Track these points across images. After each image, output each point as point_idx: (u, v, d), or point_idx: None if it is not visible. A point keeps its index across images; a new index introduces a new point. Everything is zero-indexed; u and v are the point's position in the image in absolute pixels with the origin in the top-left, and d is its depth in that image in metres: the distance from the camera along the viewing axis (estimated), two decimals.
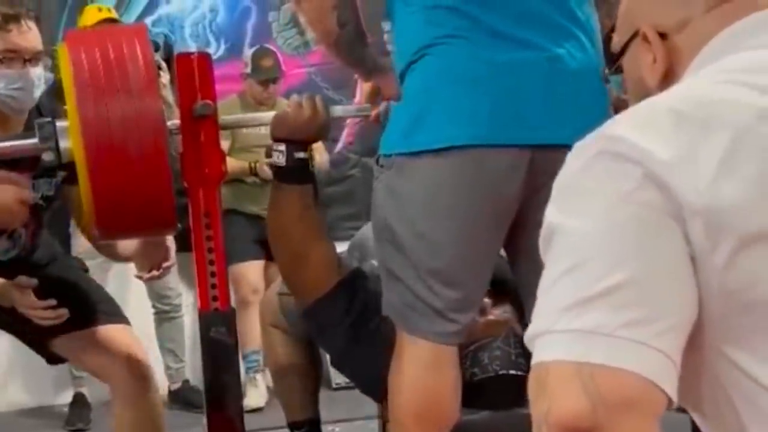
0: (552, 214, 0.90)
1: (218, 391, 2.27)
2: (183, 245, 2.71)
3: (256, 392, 4.18)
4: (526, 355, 2.11)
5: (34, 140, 2.10)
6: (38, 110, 2.52)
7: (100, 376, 2.72)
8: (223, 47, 4.53)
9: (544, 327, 0.86)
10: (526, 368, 2.10)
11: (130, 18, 4.41)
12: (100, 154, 1.96)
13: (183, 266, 4.18)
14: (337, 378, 4.04)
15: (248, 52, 4.36)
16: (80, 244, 3.23)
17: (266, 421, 3.57)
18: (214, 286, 2.24)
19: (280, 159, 2.20)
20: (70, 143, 2.03)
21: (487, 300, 2.23)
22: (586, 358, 0.83)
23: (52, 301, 2.42)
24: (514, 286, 2.34)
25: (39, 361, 4.25)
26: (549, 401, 0.83)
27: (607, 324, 0.83)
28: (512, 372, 2.12)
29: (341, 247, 2.86)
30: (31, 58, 2.45)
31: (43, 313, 2.42)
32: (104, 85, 1.98)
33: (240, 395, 2.36)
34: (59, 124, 2.06)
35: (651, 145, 0.87)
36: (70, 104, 2.01)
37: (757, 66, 0.93)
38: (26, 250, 2.58)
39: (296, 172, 2.20)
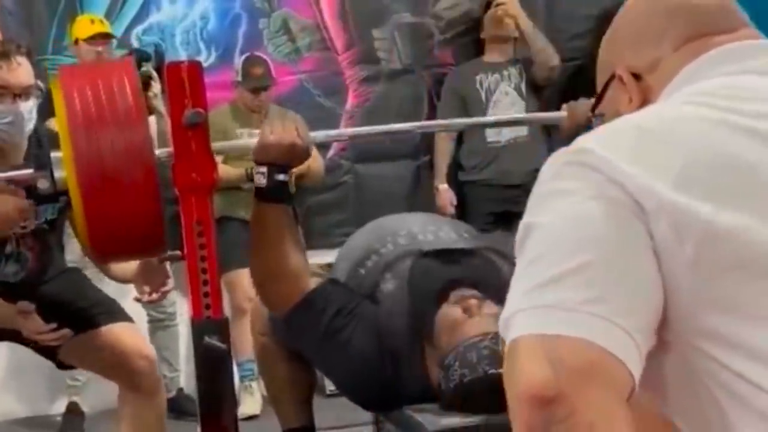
0: (527, 217, 0.96)
1: (212, 399, 2.27)
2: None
3: (252, 400, 4.18)
4: None
5: (30, 170, 2.21)
6: (36, 135, 2.56)
7: (109, 375, 2.74)
8: (214, 55, 4.53)
9: (514, 308, 0.92)
10: None
11: (120, 26, 4.40)
12: (93, 183, 2.08)
13: (177, 275, 4.21)
14: (331, 385, 4.04)
15: (238, 60, 4.36)
16: (72, 251, 3.24)
17: (262, 429, 3.57)
18: (206, 294, 2.25)
19: (261, 180, 2.28)
20: (64, 173, 2.12)
21: (474, 300, 2.24)
22: (549, 330, 0.88)
23: (53, 325, 2.49)
24: (502, 287, 2.35)
25: (33, 370, 4.27)
26: (518, 372, 0.89)
27: (569, 299, 0.89)
28: (501, 371, 2.12)
29: (333, 254, 2.87)
30: (21, 93, 2.51)
31: (48, 336, 2.46)
32: (95, 118, 2.09)
33: (234, 403, 2.36)
34: (53, 154, 2.16)
35: (612, 154, 0.94)
36: (64, 136, 2.11)
37: (711, 90, 1.04)
38: (34, 272, 2.63)
39: (276, 193, 2.28)
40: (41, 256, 2.70)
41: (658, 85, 1.11)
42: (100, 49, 4.11)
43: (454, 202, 4.57)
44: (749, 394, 0.90)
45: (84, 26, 4.15)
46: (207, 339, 2.23)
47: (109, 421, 3.90)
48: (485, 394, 2.12)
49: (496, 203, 4.51)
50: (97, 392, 4.15)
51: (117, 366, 2.63)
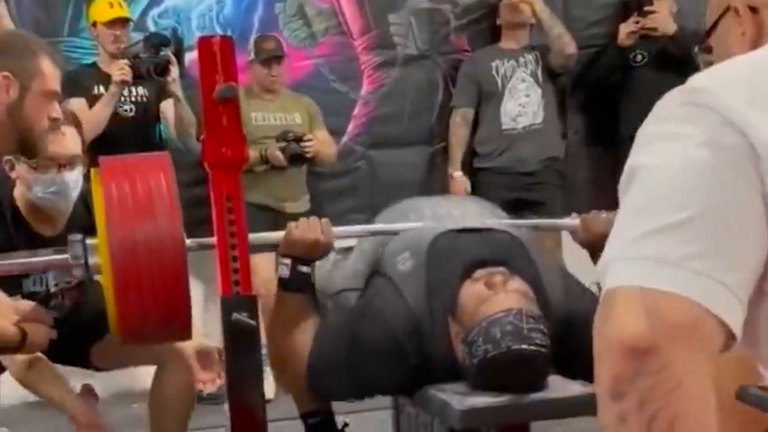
0: (634, 158, 0.95)
1: (240, 377, 2.27)
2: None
3: (266, 384, 4.17)
4: (539, 329, 2.13)
5: (66, 256, 2.27)
6: (83, 199, 2.62)
7: (149, 360, 2.77)
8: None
9: (615, 255, 0.92)
10: (539, 343, 2.13)
11: (137, 9, 4.39)
12: (125, 273, 2.15)
13: (192, 260, 4.19)
14: None
15: (251, 41, 4.35)
16: None
17: (276, 413, 3.55)
18: (236, 271, 2.24)
19: (284, 272, 2.44)
20: (98, 260, 2.21)
21: (499, 277, 2.25)
22: (650, 284, 0.87)
23: (102, 423, 2.65)
24: (529, 264, 2.35)
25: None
26: (613, 321, 0.88)
27: (673, 254, 0.88)
28: (524, 347, 2.12)
29: (346, 240, 2.87)
30: (66, 164, 2.55)
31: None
32: (131, 211, 2.17)
33: (261, 380, 2.35)
34: (89, 241, 2.24)
35: (727, 93, 0.92)
36: (100, 226, 2.18)
37: None
38: (69, 313, 2.68)
39: (298, 284, 2.44)
40: (78, 300, 2.77)
41: None
42: (118, 32, 4.11)
43: (469, 190, 4.57)
44: None
45: (102, 9, 4.14)
46: (236, 315, 2.22)
47: (123, 404, 3.90)
48: (509, 370, 2.14)
49: (509, 190, 4.50)
50: (111, 375, 4.13)
51: (151, 347, 2.64)
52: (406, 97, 4.69)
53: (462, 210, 2.59)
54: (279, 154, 4.12)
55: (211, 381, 2.66)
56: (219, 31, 4.50)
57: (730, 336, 0.88)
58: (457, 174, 4.59)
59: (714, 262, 0.87)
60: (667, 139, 0.93)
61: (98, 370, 2.91)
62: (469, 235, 2.42)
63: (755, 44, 1.10)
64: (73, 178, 2.57)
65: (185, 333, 2.33)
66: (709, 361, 0.87)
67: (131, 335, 2.29)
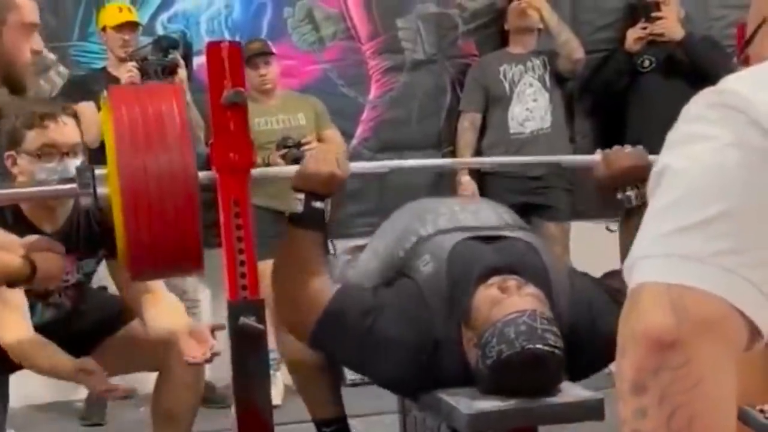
0: (664, 158, 0.95)
1: (247, 381, 2.27)
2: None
3: (274, 389, 4.17)
4: (552, 331, 2.13)
5: (74, 185, 2.23)
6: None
7: (151, 366, 2.77)
8: None
9: (643, 252, 0.92)
10: (553, 344, 2.12)
11: (146, 14, 4.41)
12: (135, 201, 2.10)
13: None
14: (351, 374, 4.04)
15: None
16: None
17: (284, 418, 3.57)
18: (243, 275, 2.25)
19: (297, 206, 2.36)
20: (107, 189, 2.15)
21: (513, 282, 2.24)
22: (677, 280, 0.88)
23: (117, 384, 2.54)
24: (543, 271, 2.35)
25: None
26: (638, 315, 0.89)
27: (700, 251, 0.88)
28: (539, 346, 2.11)
29: (354, 244, 2.87)
30: (69, 152, 2.59)
31: (117, 393, 2.53)
32: (142, 138, 2.12)
33: (269, 384, 2.36)
34: (98, 171, 2.18)
35: (755, 95, 0.93)
36: (110, 154, 2.13)
37: None
38: (70, 313, 2.68)
39: (310, 220, 2.34)
40: (78, 301, 2.77)
41: None
42: (127, 37, 4.13)
43: (476, 194, 4.57)
44: None
45: (112, 14, 4.16)
46: (243, 319, 2.23)
47: (131, 408, 3.91)
48: (523, 370, 2.12)
49: (517, 194, 4.49)
50: (119, 379, 4.15)
51: (154, 351, 2.64)
52: (414, 101, 4.70)
53: (476, 210, 2.57)
54: (280, 162, 4.12)
55: (202, 353, 2.63)
56: (228, 35, 4.52)
57: (756, 333, 0.89)
58: (465, 178, 4.59)
59: (740, 259, 0.88)
60: (695, 140, 0.94)
61: None
62: (486, 243, 2.40)
63: None
64: (76, 165, 2.56)
65: (197, 266, 2.27)
66: (733, 360, 0.88)
67: (141, 269, 2.24)
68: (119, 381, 2.69)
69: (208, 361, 2.55)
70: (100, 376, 2.49)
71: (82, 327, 2.73)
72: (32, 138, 2.60)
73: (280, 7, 4.58)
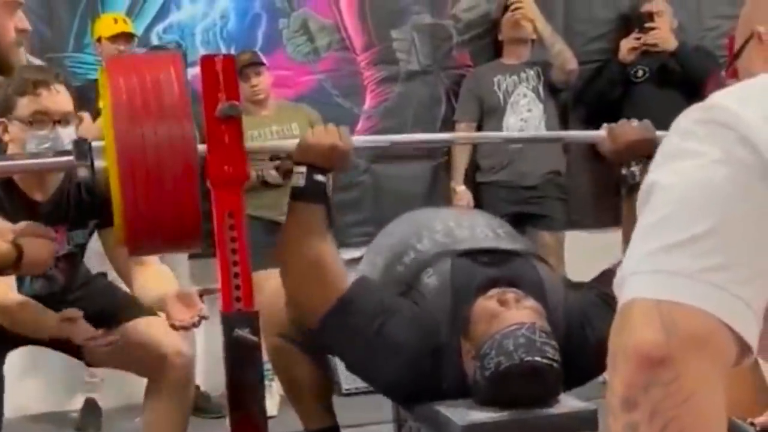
0: (652, 174, 0.96)
1: (242, 393, 2.28)
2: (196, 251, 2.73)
3: (270, 400, 4.18)
4: (551, 344, 2.13)
5: (70, 158, 2.19)
6: None
7: (138, 370, 2.75)
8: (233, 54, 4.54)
9: (632, 269, 0.93)
10: (551, 357, 2.13)
11: (141, 25, 4.42)
12: (133, 172, 2.06)
13: (195, 273, 4.21)
14: (347, 384, 4.04)
15: None
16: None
17: (279, 428, 3.57)
18: (237, 287, 2.25)
19: (299, 181, 2.30)
20: (104, 162, 2.12)
21: (512, 295, 2.25)
22: (666, 296, 0.89)
23: (101, 331, 2.51)
24: (538, 283, 2.36)
25: (50, 366, 4.27)
26: (628, 331, 0.89)
27: (688, 267, 0.89)
28: (537, 359, 2.12)
29: (350, 254, 2.88)
30: (61, 120, 2.58)
31: (99, 342, 2.48)
32: (140, 108, 2.08)
33: (263, 396, 2.36)
34: (95, 144, 2.15)
35: (744, 110, 0.93)
36: (107, 125, 2.11)
37: None
38: (62, 287, 2.66)
39: (312, 193, 2.31)
40: (69, 274, 2.75)
41: None
42: (122, 48, 4.13)
43: (472, 203, 4.58)
44: None
45: (107, 25, 4.17)
46: (237, 331, 2.23)
47: (126, 418, 3.91)
48: (522, 382, 2.13)
49: (512, 204, 4.52)
50: (114, 389, 4.16)
51: (146, 358, 2.63)
52: (408, 111, 4.71)
53: (471, 224, 2.57)
54: (274, 172, 4.13)
55: (190, 317, 2.61)
56: (223, 46, 4.53)
57: (745, 348, 0.89)
58: (460, 188, 4.61)
59: (729, 276, 0.89)
60: (684, 156, 0.94)
61: (88, 364, 2.87)
62: (485, 256, 2.40)
63: None
64: (67, 134, 2.58)
65: (194, 240, 2.23)
66: (722, 376, 0.88)
67: (139, 243, 2.20)
68: (122, 388, 2.67)
69: (195, 325, 2.53)
70: (84, 326, 2.49)
71: (79, 306, 2.66)
72: (24, 105, 2.58)
73: (275, 19, 4.59)
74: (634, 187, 2.47)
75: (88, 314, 2.59)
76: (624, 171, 2.51)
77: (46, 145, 2.55)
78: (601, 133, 2.55)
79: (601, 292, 2.35)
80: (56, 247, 2.29)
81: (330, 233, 2.36)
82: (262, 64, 4.30)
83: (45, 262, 2.22)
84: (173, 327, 2.55)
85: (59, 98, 2.61)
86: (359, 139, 2.47)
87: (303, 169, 2.30)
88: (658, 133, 2.46)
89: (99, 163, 2.13)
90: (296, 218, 2.33)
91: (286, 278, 2.37)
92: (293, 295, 2.38)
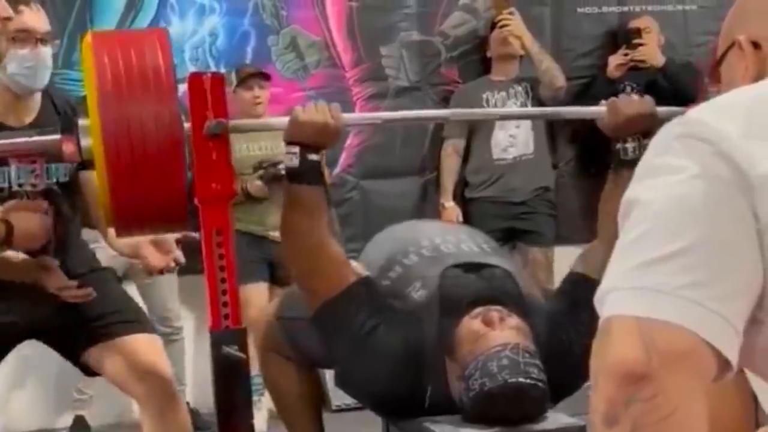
0: (631, 191, 0.97)
1: (230, 410, 2.28)
2: (184, 268, 2.72)
3: (259, 415, 4.17)
4: (535, 364, 2.14)
5: (56, 136, 2.17)
6: (50, 99, 2.60)
7: (124, 388, 2.72)
8: (223, 71, 4.54)
9: (612, 285, 0.93)
10: (536, 377, 2.13)
11: None
12: (119, 153, 2.03)
13: (184, 289, 4.21)
14: (336, 400, 4.04)
15: (232, 76, 4.33)
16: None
17: None
18: (225, 304, 2.25)
19: (293, 161, 2.26)
20: (90, 141, 2.09)
21: (495, 314, 2.25)
22: (646, 313, 0.89)
23: (74, 283, 2.45)
24: (524, 302, 2.36)
25: (39, 383, 4.26)
26: (609, 349, 0.90)
27: (668, 284, 0.89)
28: (521, 380, 2.12)
29: None
30: (43, 38, 2.56)
31: (71, 292, 2.45)
32: (125, 87, 2.05)
33: (251, 413, 2.36)
34: (81, 122, 2.13)
35: (722, 124, 0.93)
36: (92, 104, 2.08)
37: None
38: (56, 242, 2.58)
39: (309, 174, 2.26)
40: (56, 221, 2.59)
41: None
42: None
43: (461, 219, 4.59)
44: None
45: None
46: (225, 348, 2.23)
47: None
48: (506, 403, 2.13)
49: (501, 220, 4.54)
50: (103, 406, 4.15)
51: (130, 380, 2.62)
52: (397, 128, 4.72)
53: (456, 239, 2.56)
54: (258, 183, 4.13)
55: (166, 263, 2.56)
56: (212, 63, 4.54)
57: (725, 364, 0.90)
58: (449, 204, 4.62)
59: (708, 292, 0.89)
60: (663, 172, 0.95)
61: (87, 373, 2.81)
62: (471, 272, 2.41)
63: (758, 79, 1.11)
64: (48, 54, 2.58)
65: (181, 220, 2.20)
66: (703, 391, 0.89)
67: (126, 223, 2.17)
68: (113, 405, 2.65)
69: (170, 270, 2.50)
70: (59, 274, 2.45)
71: (90, 314, 2.61)
72: (8, 22, 2.54)
73: (264, 36, 4.61)
74: (622, 163, 2.40)
75: (85, 312, 2.55)
76: (618, 146, 2.44)
77: (28, 65, 2.53)
78: (601, 108, 2.51)
79: (575, 298, 2.36)
80: (48, 221, 2.24)
81: (329, 213, 2.35)
82: (268, 78, 4.32)
83: (37, 235, 2.19)
84: (149, 272, 2.51)
85: (41, 16, 2.59)
86: (350, 117, 2.43)
87: (296, 149, 2.26)
88: (660, 109, 2.45)
89: (86, 142, 2.11)
90: (296, 202, 2.29)
91: (292, 259, 2.37)
92: (301, 275, 2.39)
